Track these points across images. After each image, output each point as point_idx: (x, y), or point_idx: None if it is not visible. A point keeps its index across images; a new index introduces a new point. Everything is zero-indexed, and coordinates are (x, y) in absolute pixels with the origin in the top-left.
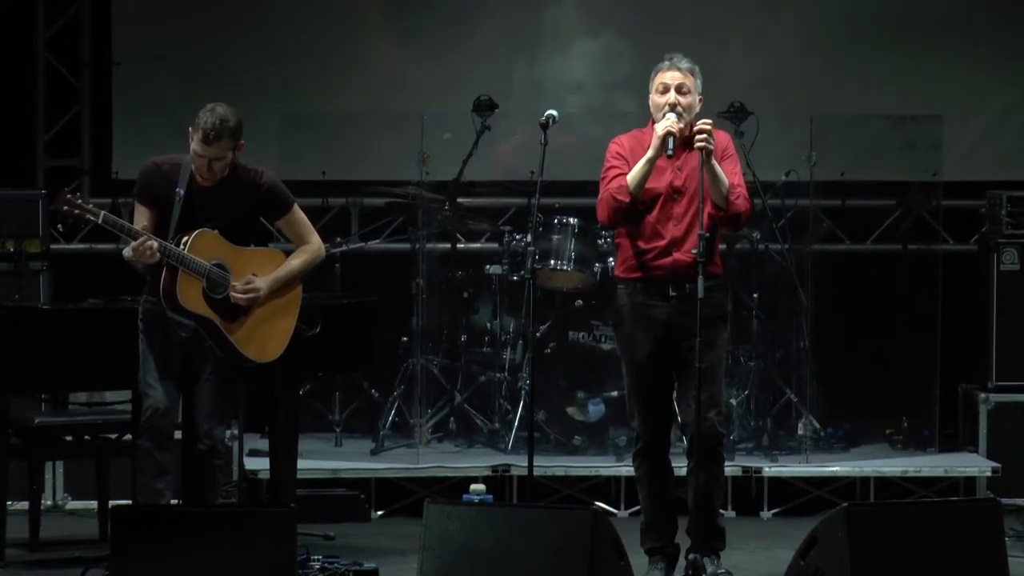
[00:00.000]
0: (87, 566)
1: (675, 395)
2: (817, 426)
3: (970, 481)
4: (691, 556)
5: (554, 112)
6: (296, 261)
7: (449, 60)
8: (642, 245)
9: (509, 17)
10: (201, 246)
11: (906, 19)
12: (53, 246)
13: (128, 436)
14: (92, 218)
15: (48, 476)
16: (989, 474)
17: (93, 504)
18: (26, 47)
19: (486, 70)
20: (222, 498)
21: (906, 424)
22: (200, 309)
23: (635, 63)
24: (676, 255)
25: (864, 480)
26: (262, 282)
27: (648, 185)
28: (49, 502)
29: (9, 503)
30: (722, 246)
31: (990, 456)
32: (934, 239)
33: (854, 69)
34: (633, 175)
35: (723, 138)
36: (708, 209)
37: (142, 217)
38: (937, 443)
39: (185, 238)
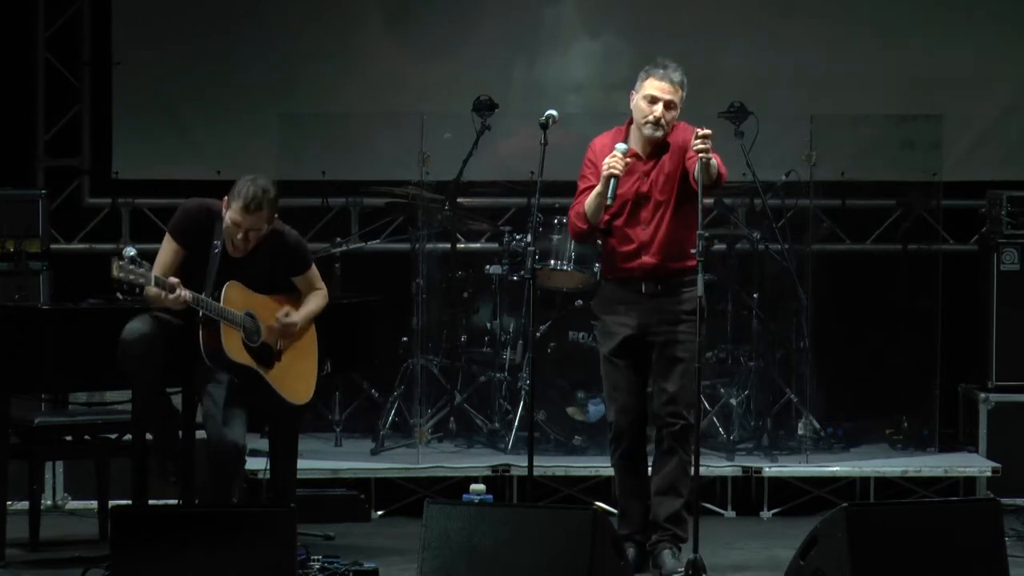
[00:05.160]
0: (87, 566)
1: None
2: (817, 426)
3: (970, 481)
4: (693, 556)
5: (554, 112)
6: (314, 303)
7: (449, 60)
8: (615, 247)
9: (509, 17)
10: (234, 297)
11: (906, 19)
12: (53, 246)
13: (128, 436)
14: (143, 283)
15: (48, 476)
16: (989, 474)
17: (93, 504)
18: (26, 47)
19: (486, 70)
20: None
21: (906, 424)
22: (245, 360)
23: (635, 63)
24: (644, 258)
25: (864, 480)
26: (297, 316)
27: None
28: (49, 502)
29: (9, 503)
30: (722, 246)
31: (990, 456)
32: (934, 239)
33: (854, 69)
34: (588, 205)
35: (687, 133)
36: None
37: (171, 254)
38: (937, 443)
39: (217, 292)
